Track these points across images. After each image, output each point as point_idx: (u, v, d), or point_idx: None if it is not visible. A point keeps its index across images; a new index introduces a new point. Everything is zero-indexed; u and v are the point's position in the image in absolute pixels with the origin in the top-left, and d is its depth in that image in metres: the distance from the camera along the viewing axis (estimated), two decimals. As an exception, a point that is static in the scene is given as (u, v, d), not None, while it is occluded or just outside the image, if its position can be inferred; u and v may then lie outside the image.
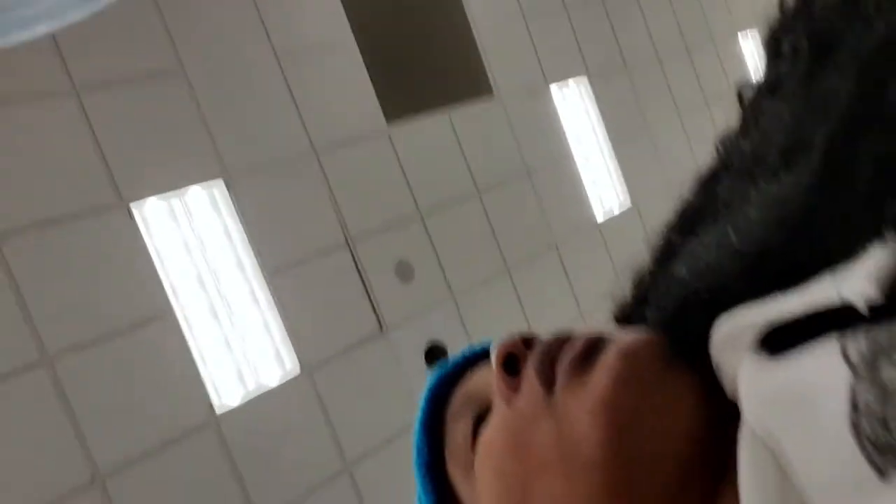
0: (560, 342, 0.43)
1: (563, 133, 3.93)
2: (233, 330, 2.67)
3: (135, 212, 2.52)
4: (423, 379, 2.74)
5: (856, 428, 0.25)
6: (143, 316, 2.46)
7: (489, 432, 0.46)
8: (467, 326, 3.27)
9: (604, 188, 4.16)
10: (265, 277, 2.74)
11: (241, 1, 2.90)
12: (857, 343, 0.27)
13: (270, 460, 2.61)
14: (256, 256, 2.74)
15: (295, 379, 2.74)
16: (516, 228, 3.59)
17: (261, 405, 2.65)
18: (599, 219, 4.07)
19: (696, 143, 4.76)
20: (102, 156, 2.48)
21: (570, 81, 4.04)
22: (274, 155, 2.87)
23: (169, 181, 2.61)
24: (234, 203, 2.73)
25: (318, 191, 2.96)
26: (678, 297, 0.41)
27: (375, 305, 3.01)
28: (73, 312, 2.32)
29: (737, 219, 0.37)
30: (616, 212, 4.19)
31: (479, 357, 0.60)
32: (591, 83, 4.14)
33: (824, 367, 0.27)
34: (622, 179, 4.28)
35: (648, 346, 0.40)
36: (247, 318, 2.70)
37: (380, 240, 3.09)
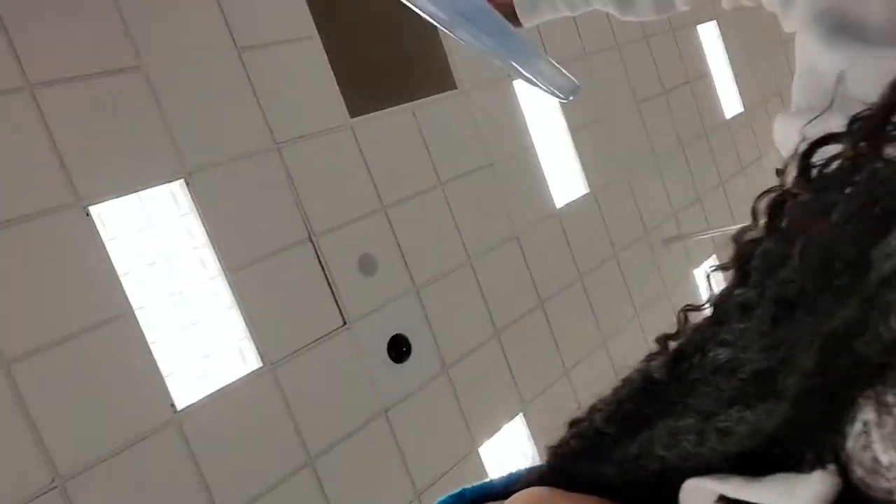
0: None
1: (524, 125, 3.85)
2: (194, 327, 2.57)
3: (92, 212, 2.39)
4: (386, 372, 2.69)
5: None
6: (101, 317, 2.35)
7: None
8: (430, 319, 3.21)
9: (562, 175, 4.11)
10: (227, 274, 2.64)
11: (201, -6, 2.74)
12: None
13: (233, 456, 2.55)
14: (218, 253, 2.64)
15: (257, 373, 2.66)
16: (478, 219, 3.52)
17: (222, 401, 2.57)
18: (558, 205, 4.02)
19: (651, 128, 4.72)
20: (59, 155, 2.34)
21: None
22: (235, 151, 2.75)
23: (128, 182, 2.48)
24: (194, 201, 2.61)
25: (280, 186, 2.85)
26: (652, 468, 0.44)
27: (338, 299, 2.93)
28: (29, 316, 2.20)
29: (715, 423, 0.40)
30: (574, 198, 4.14)
31: None
32: (553, 74, 4.05)
33: None
34: (580, 166, 4.23)
35: None
36: (208, 315, 2.60)
37: (343, 234, 3.00)
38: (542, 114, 3.99)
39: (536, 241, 3.78)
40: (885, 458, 0.31)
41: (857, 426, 0.32)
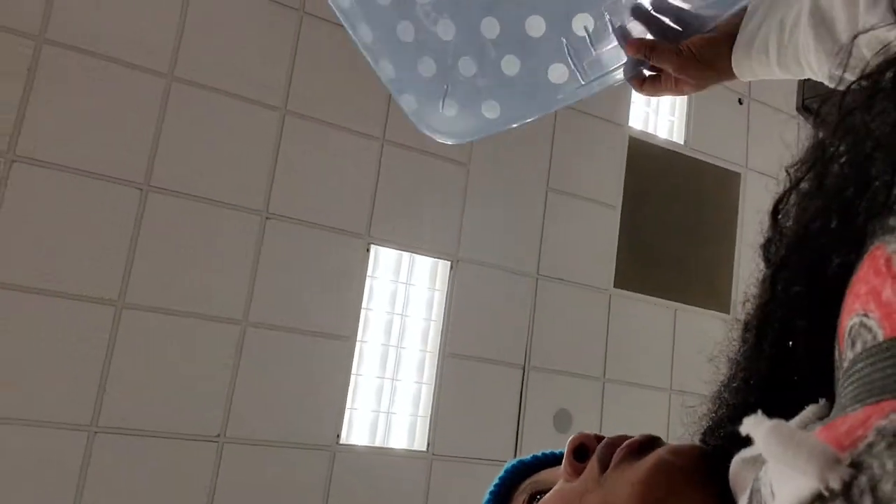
0: (625, 437, 0.47)
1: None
2: (392, 383, 2.73)
3: (371, 249, 2.75)
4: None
5: None
6: (331, 329, 2.63)
7: (544, 498, 0.51)
8: None
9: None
10: (441, 355, 2.79)
11: (543, 132, 3.13)
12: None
13: (357, 512, 2.57)
14: (444, 335, 2.81)
15: (417, 455, 2.70)
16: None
17: (376, 459, 2.64)
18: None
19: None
20: (374, 195, 2.77)
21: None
22: (502, 262, 2.97)
23: (410, 243, 2.82)
24: (449, 284, 2.86)
25: (522, 309, 2.98)
26: (714, 440, 0.47)
27: (519, 436, 2.89)
28: (282, 296, 2.56)
29: (730, 381, 0.45)
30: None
31: (551, 461, 0.65)
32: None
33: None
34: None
35: (694, 451, 0.45)
36: (408, 380, 2.75)
37: (555, 380, 3.00)
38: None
39: None
40: None
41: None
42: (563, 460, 0.49)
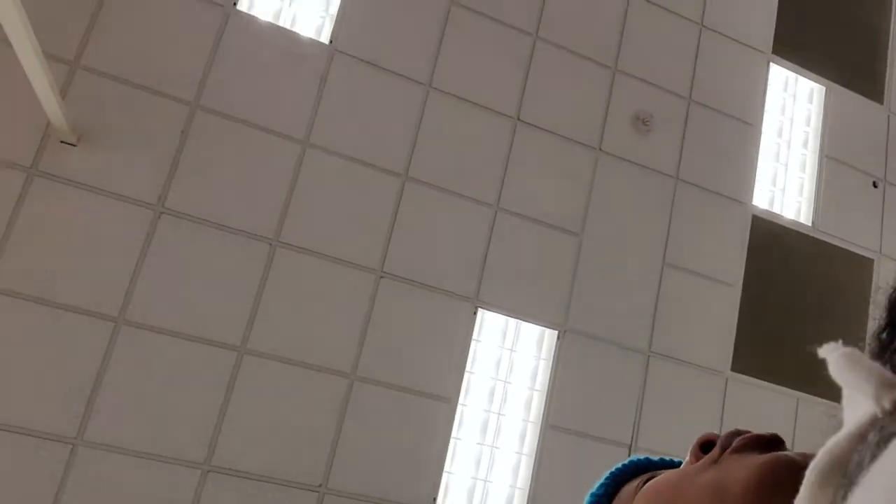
0: (750, 432, 0.48)
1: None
2: (490, 450, 2.68)
3: (478, 313, 2.75)
4: None
5: None
6: (433, 390, 2.63)
7: (658, 477, 0.52)
8: None
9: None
10: (543, 427, 2.72)
11: (661, 205, 3.06)
12: None
13: (449, 581, 2.49)
14: (547, 406, 2.74)
15: (512, 529, 2.61)
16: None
17: (472, 529, 2.57)
18: None
19: None
20: (484, 260, 2.79)
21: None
22: (612, 336, 2.89)
23: (517, 308, 2.81)
24: (556, 354, 2.80)
25: (631, 389, 2.86)
26: None
27: (622, 519, 2.73)
28: (390, 352, 2.60)
29: None
30: None
31: (676, 465, 0.66)
32: None
33: None
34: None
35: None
36: (507, 449, 2.69)
37: (662, 465, 2.83)
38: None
39: None
40: None
41: None
42: (690, 450, 0.51)
